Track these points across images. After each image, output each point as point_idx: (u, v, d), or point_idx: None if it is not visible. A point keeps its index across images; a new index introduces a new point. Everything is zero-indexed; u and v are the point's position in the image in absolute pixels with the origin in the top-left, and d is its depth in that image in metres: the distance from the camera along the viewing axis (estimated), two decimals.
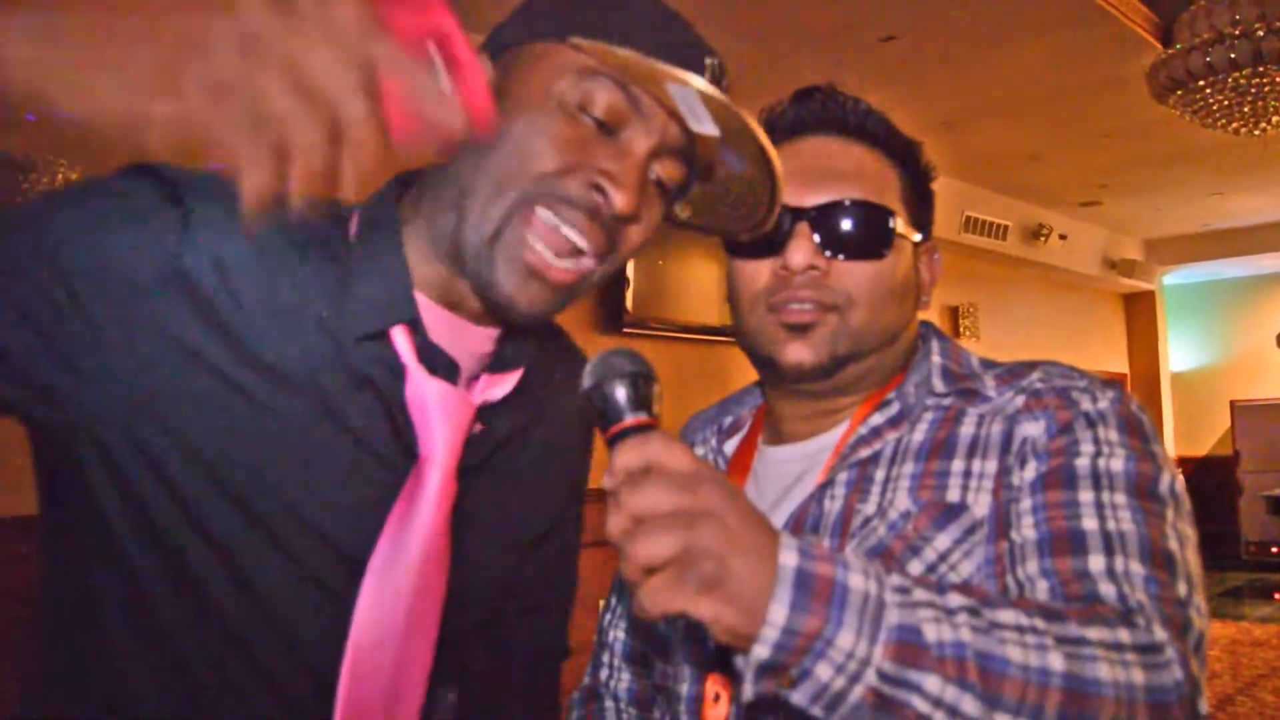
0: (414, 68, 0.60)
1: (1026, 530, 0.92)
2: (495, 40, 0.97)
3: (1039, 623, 0.74)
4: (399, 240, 0.96)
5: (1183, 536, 0.91)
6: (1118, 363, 11.22)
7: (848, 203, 1.07)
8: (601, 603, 1.27)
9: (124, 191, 0.86)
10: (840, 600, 0.70)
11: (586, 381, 0.78)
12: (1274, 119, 5.15)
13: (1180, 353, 11.78)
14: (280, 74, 0.56)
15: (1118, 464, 0.93)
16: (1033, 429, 0.99)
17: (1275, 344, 10.99)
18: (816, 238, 1.06)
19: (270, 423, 0.87)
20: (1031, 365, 1.06)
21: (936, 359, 1.12)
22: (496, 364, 1.00)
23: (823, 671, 0.69)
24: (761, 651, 0.69)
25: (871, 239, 1.07)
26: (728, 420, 1.28)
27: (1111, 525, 0.89)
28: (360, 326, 0.91)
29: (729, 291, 1.15)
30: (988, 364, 1.11)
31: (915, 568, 0.97)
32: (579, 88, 0.89)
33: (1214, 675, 6.20)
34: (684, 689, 1.06)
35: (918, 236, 1.13)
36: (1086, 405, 0.98)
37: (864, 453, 1.05)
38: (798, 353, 1.07)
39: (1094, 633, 0.75)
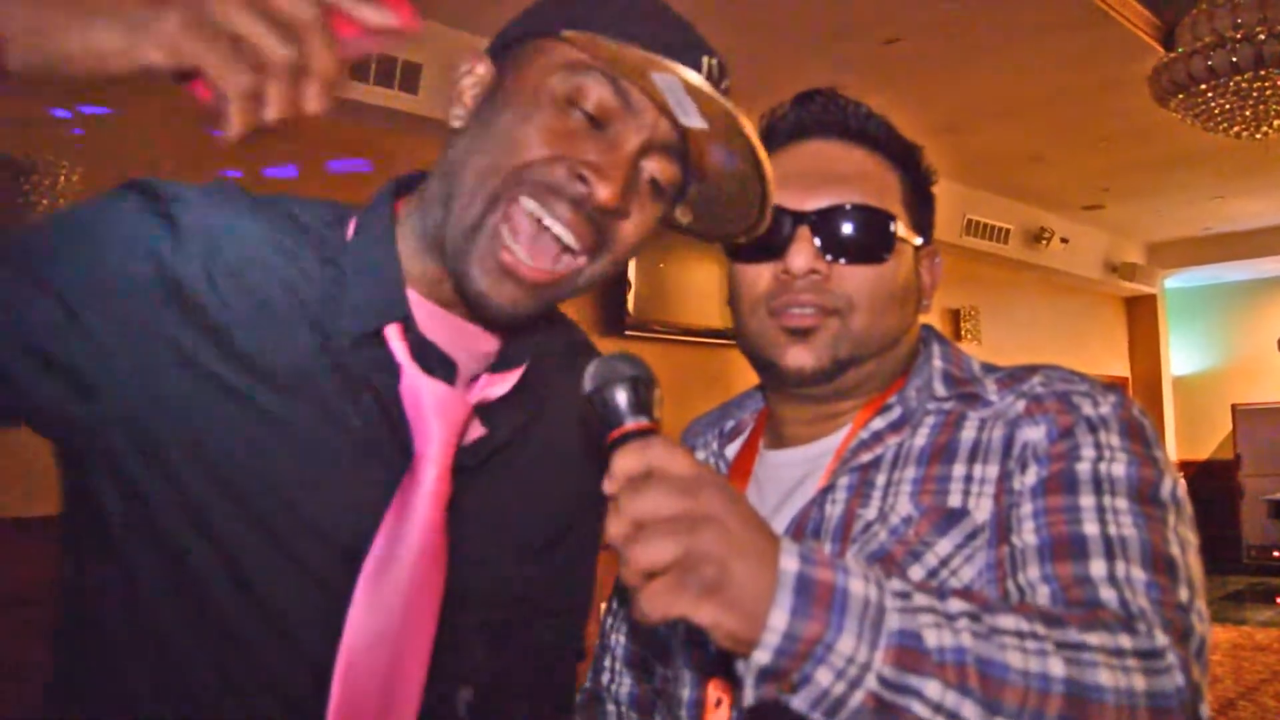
0: None
1: (1027, 535, 0.92)
2: (499, 40, 0.98)
3: (1040, 628, 0.74)
4: (392, 240, 0.97)
5: (1184, 541, 0.90)
6: (1119, 366, 11.21)
7: (849, 206, 1.06)
8: (603, 606, 1.27)
9: (112, 209, 0.88)
10: (841, 605, 0.69)
11: (587, 386, 0.78)
12: (1275, 123, 5.15)
13: (1181, 356, 11.78)
14: (255, 9, 0.66)
15: (1119, 469, 0.93)
16: (1034, 434, 0.98)
17: (1276, 347, 10.99)
18: (817, 241, 1.06)
19: (267, 424, 0.88)
20: (1032, 369, 1.06)
21: (938, 363, 1.12)
22: (498, 363, 1.01)
23: (823, 677, 0.69)
24: (762, 657, 0.69)
25: (872, 243, 1.07)
26: (729, 424, 1.28)
27: (1113, 530, 0.88)
28: (354, 326, 0.92)
29: (730, 295, 1.14)
30: (989, 368, 1.11)
31: (916, 573, 0.96)
32: (569, 81, 0.89)
33: (1215, 680, 6.19)
34: (685, 694, 1.05)
35: (919, 240, 1.13)
36: (1088, 410, 0.98)
37: (865, 457, 1.05)
38: (798, 357, 1.07)
39: (1095, 638, 0.75)
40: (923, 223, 1.15)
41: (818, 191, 1.07)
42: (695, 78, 0.84)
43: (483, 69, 0.97)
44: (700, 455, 1.26)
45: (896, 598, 0.72)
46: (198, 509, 0.86)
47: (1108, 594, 0.84)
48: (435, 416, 0.93)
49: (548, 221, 0.89)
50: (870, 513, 1.02)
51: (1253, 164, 7.61)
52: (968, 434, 1.03)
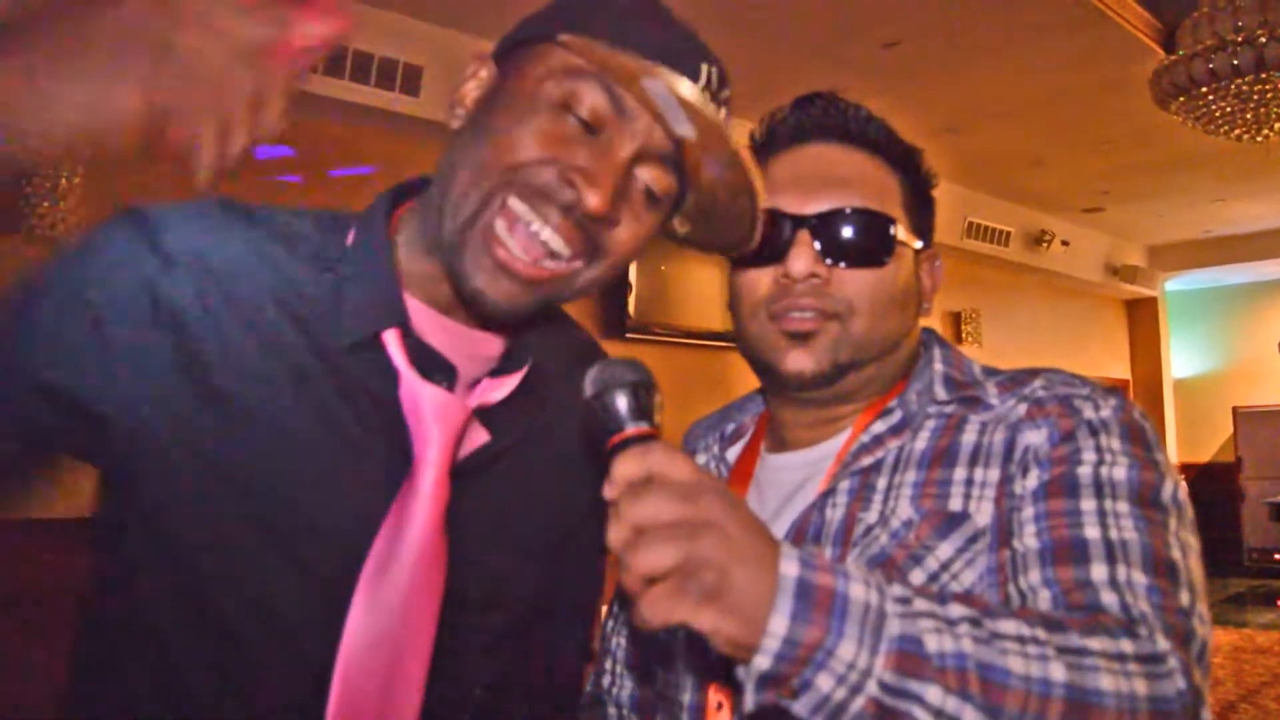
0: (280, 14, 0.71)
1: (1029, 539, 0.92)
2: (502, 44, 0.98)
3: (1040, 633, 0.74)
4: (388, 246, 0.97)
5: (1185, 545, 0.90)
6: (1120, 369, 11.21)
7: (849, 210, 1.06)
8: (604, 609, 1.27)
9: (104, 243, 0.91)
10: (841, 611, 0.69)
11: (588, 391, 0.78)
12: (1276, 125, 5.14)
13: (1182, 359, 11.77)
14: (218, 42, 0.67)
15: (1120, 472, 0.93)
16: (1035, 437, 0.98)
17: (1277, 350, 10.98)
18: (817, 245, 1.06)
19: (268, 432, 0.89)
20: (1034, 373, 1.06)
21: (938, 366, 1.11)
22: (499, 367, 1.01)
23: (824, 682, 0.69)
24: (762, 662, 0.69)
25: (872, 246, 1.07)
26: (730, 427, 1.28)
27: (1114, 534, 0.88)
28: (351, 332, 0.93)
29: (730, 299, 1.14)
30: (990, 371, 1.11)
31: (917, 577, 0.96)
32: (564, 86, 0.90)
33: (1217, 682, 6.19)
34: (686, 698, 1.05)
35: (919, 244, 1.13)
36: (1089, 413, 0.98)
37: (866, 461, 1.05)
38: (799, 361, 1.07)
39: (1096, 643, 0.74)
40: (923, 226, 1.15)
41: (818, 195, 1.07)
42: (684, 87, 0.85)
43: (485, 72, 0.98)
44: (701, 458, 1.26)
45: (897, 603, 0.72)
46: (200, 515, 0.87)
47: (1109, 598, 0.84)
48: (434, 421, 0.93)
49: (535, 227, 0.90)
50: (871, 516, 1.01)
51: (1254, 167, 7.61)
52: (968, 437, 1.03)
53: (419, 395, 0.93)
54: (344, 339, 0.92)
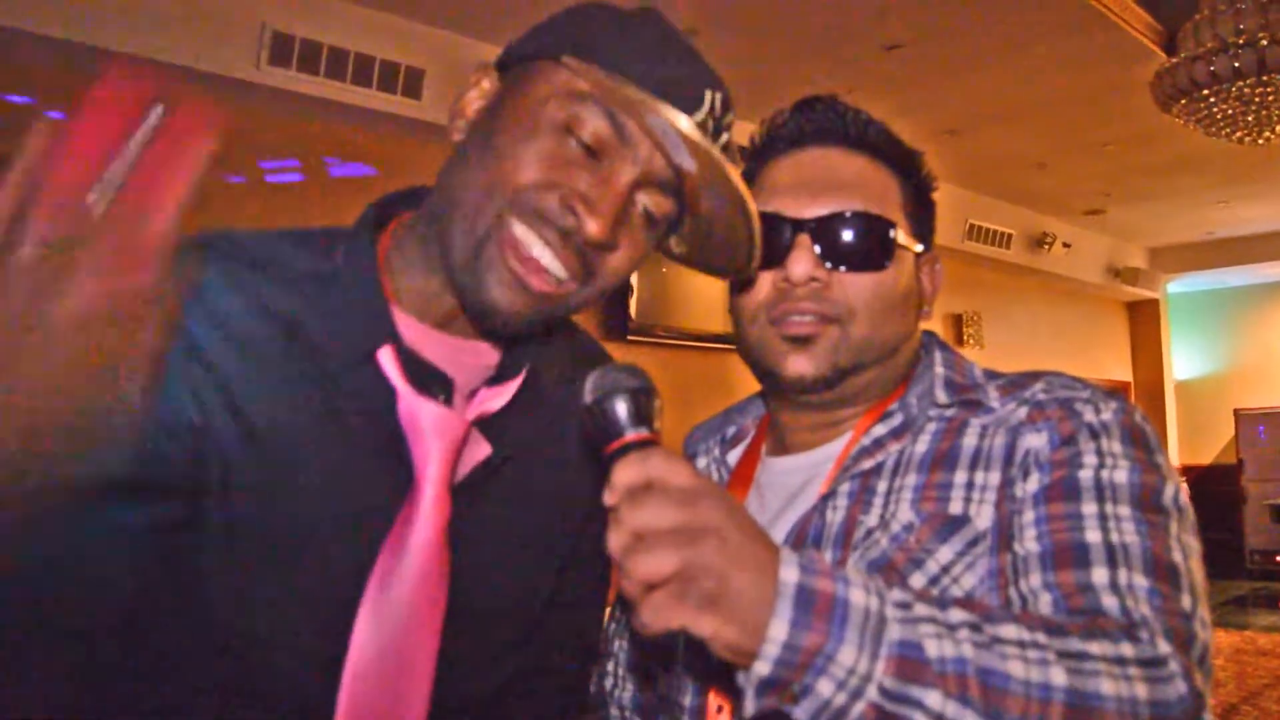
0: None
1: (1029, 543, 0.92)
2: (506, 55, 0.98)
3: (1041, 637, 0.74)
4: (374, 263, 0.97)
5: (1187, 548, 0.90)
6: (1121, 371, 11.20)
7: (849, 214, 1.06)
8: (607, 611, 1.27)
9: None
10: (841, 616, 0.69)
11: (587, 396, 0.78)
12: (1278, 128, 5.14)
13: (1184, 361, 11.77)
14: None
15: (1121, 476, 0.93)
16: (1036, 440, 0.98)
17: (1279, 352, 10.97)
18: (817, 249, 1.06)
19: (271, 454, 0.89)
20: (1035, 376, 1.06)
21: (939, 369, 1.11)
22: (496, 375, 1.01)
23: (824, 688, 0.69)
24: (762, 668, 0.69)
25: (872, 250, 1.07)
26: (731, 430, 1.28)
27: (1115, 538, 0.88)
28: (345, 353, 0.93)
29: (730, 303, 1.14)
30: (991, 374, 1.11)
31: (917, 580, 0.96)
32: (567, 109, 0.89)
33: (1218, 684, 6.18)
34: (687, 701, 1.05)
35: (919, 247, 1.13)
36: (1090, 416, 0.98)
37: (866, 464, 1.05)
38: (799, 365, 1.07)
39: (1096, 647, 0.74)
40: (923, 230, 1.15)
41: (818, 199, 1.07)
42: (684, 124, 0.85)
43: (488, 83, 0.97)
44: (702, 461, 1.26)
45: (897, 608, 0.72)
46: (205, 537, 0.88)
47: (1109, 602, 0.83)
48: (433, 436, 0.93)
49: (536, 251, 0.90)
50: (871, 520, 1.01)
51: (1255, 169, 7.61)
52: (969, 441, 1.03)
53: (417, 411, 0.93)
54: (338, 359, 0.93)
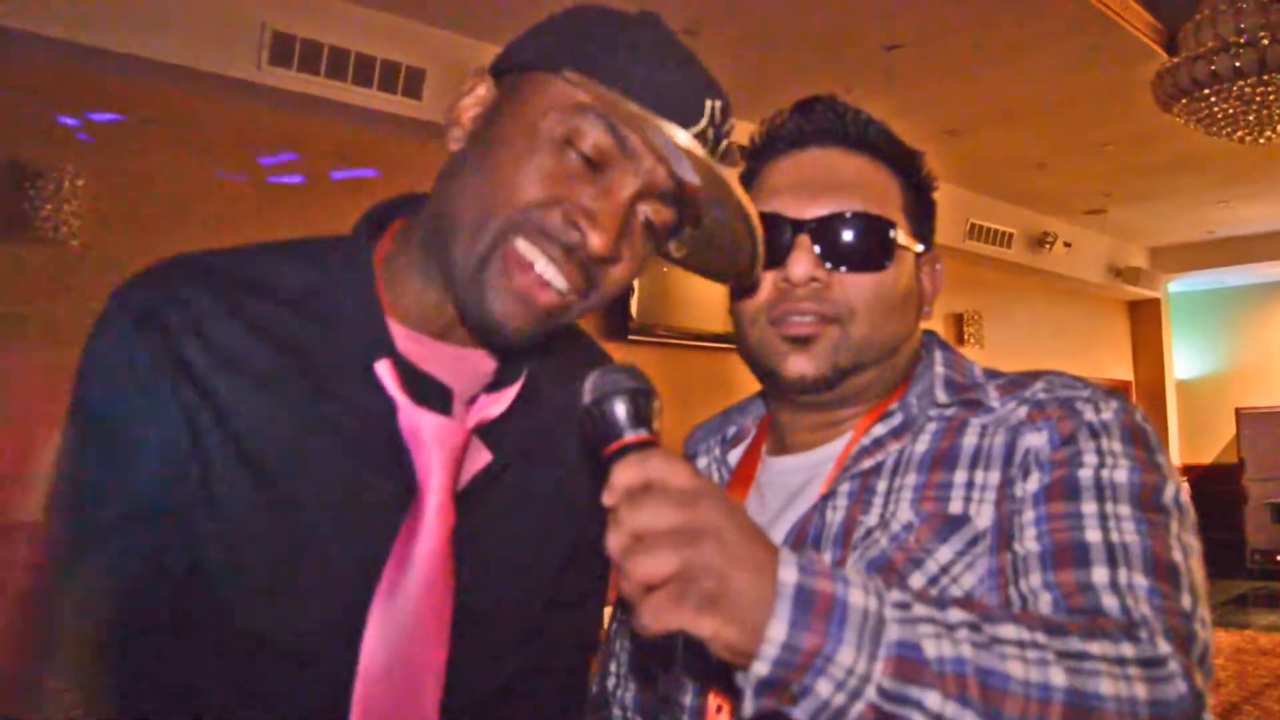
0: None
1: (1029, 542, 0.92)
2: (502, 60, 0.97)
3: (1040, 637, 0.74)
4: (371, 275, 0.97)
5: (1187, 547, 0.90)
6: (1122, 370, 11.20)
7: (849, 214, 1.06)
8: (607, 611, 1.27)
9: (111, 350, 0.91)
10: (840, 617, 0.69)
11: (586, 398, 0.78)
12: (1279, 127, 5.14)
13: (1185, 360, 11.76)
14: None
15: (1121, 475, 0.92)
16: (1036, 440, 0.98)
17: None
18: (817, 250, 1.06)
19: (275, 469, 0.90)
20: (1035, 375, 1.06)
21: (939, 369, 1.11)
22: (494, 381, 1.01)
23: (823, 688, 0.69)
24: (761, 669, 0.69)
25: (872, 250, 1.07)
26: (731, 430, 1.28)
27: (1115, 537, 0.88)
28: (342, 367, 0.93)
29: (731, 304, 1.14)
30: (991, 374, 1.11)
31: (917, 580, 0.96)
32: (567, 123, 0.88)
33: (1219, 684, 6.19)
34: (687, 700, 1.05)
35: (919, 247, 1.13)
36: (1090, 416, 0.98)
37: (866, 464, 1.05)
38: (799, 365, 1.07)
39: (1096, 647, 0.74)
40: (923, 230, 1.15)
41: (817, 200, 1.07)
42: (684, 139, 0.84)
43: (483, 90, 0.96)
44: (703, 461, 1.26)
45: (896, 608, 0.72)
46: (216, 553, 0.88)
47: (1109, 601, 0.83)
48: (434, 446, 0.94)
49: (540, 266, 0.89)
50: (871, 519, 1.01)
51: (1256, 168, 7.61)
52: (969, 440, 1.03)
53: (417, 422, 0.93)
54: (336, 374, 0.93)
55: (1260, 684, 6.25)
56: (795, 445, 1.16)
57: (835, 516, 1.04)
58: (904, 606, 0.72)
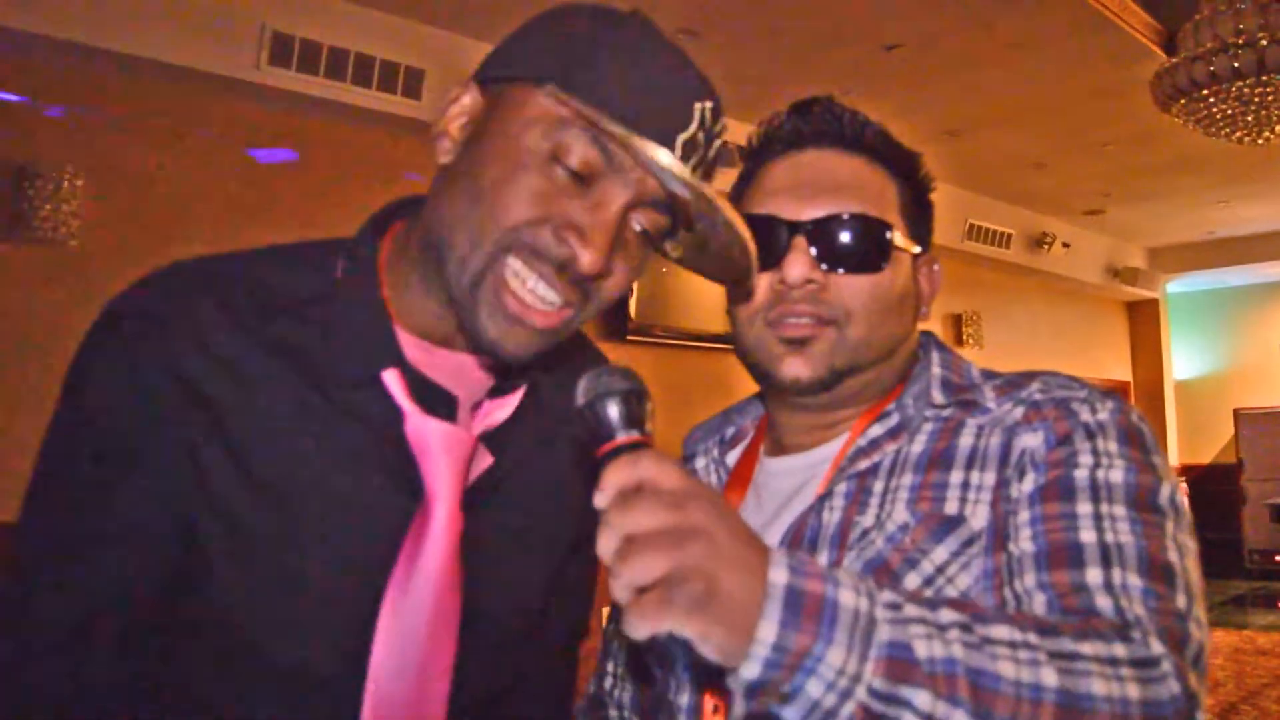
0: None
1: (1024, 543, 0.92)
2: (486, 70, 0.95)
3: (1032, 638, 0.73)
4: (377, 283, 0.97)
5: (1183, 548, 0.90)
6: (1121, 371, 11.20)
7: (845, 216, 1.06)
8: (605, 611, 1.27)
9: (105, 372, 0.89)
10: (831, 617, 0.69)
11: (579, 400, 0.77)
12: (1277, 128, 5.15)
13: (1184, 361, 11.77)
14: None
15: (1117, 475, 0.92)
16: (1031, 440, 0.98)
17: (1279, 352, 10.98)
18: (814, 251, 1.06)
19: (282, 476, 0.90)
20: (1031, 376, 1.06)
21: (936, 370, 1.11)
22: (496, 388, 1.01)
23: (813, 689, 0.68)
24: (751, 669, 0.68)
25: (869, 252, 1.07)
26: (730, 431, 1.28)
27: (1110, 537, 0.88)
28: (350, 375, 0.93)
29: (728, 305, 1.14)
30: (988, 374, 1.11)
31: (912, 580, 0.96)
32: (552, 138, 0.87)
33: (1218, 684, 6.19)
34: (683, 700, 1.05)
35: (917, 248, 1.13)
36: (1086, 416, 0.98)
37: (863, 464, 1.05)
38: (795, 367, 1.07)
39: (1088, 647, 0.74)
40: (921, 231, 1.14)
41: (814, 201, 1.07)
42: (667, 160, 0.83)
43: (469, 99, 0.94)
44: (701, 462, 1.26)
45: (887, 609, 0.71)
46: (225, 564, 0.88)
47: (1103, 602, 0.83)
48: (442, 454, 0.93)
49: (531, 284, 0.89)
50: (867, 520, 1.01)
51: (1255, 169, 7.61)
52: (965, 441, 1.03)
53: (425, 431, 0.93)
54: (343, 382, 0.93)
55: (1258, 684, 6.25)
56: (792, 446, 1.16)
57: (832, 517, 1.04)
58: (895, 607, 0.72)
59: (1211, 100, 4.95)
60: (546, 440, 1.06)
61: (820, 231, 1.06)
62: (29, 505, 0.90)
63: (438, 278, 0.93)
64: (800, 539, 1.04)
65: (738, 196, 1.17)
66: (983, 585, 0.95)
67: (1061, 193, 8.31)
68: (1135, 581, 0.85)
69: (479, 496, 0.98)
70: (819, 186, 1.08)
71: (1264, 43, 4.65)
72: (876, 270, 1.07)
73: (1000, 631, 0.73)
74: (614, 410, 0.76)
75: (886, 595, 0.73)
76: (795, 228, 1.06)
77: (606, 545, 0.69)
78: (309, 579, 0.89)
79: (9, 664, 0.86)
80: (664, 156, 0.83)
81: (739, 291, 1.09)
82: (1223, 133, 5.26)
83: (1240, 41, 4.70)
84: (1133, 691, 0.73)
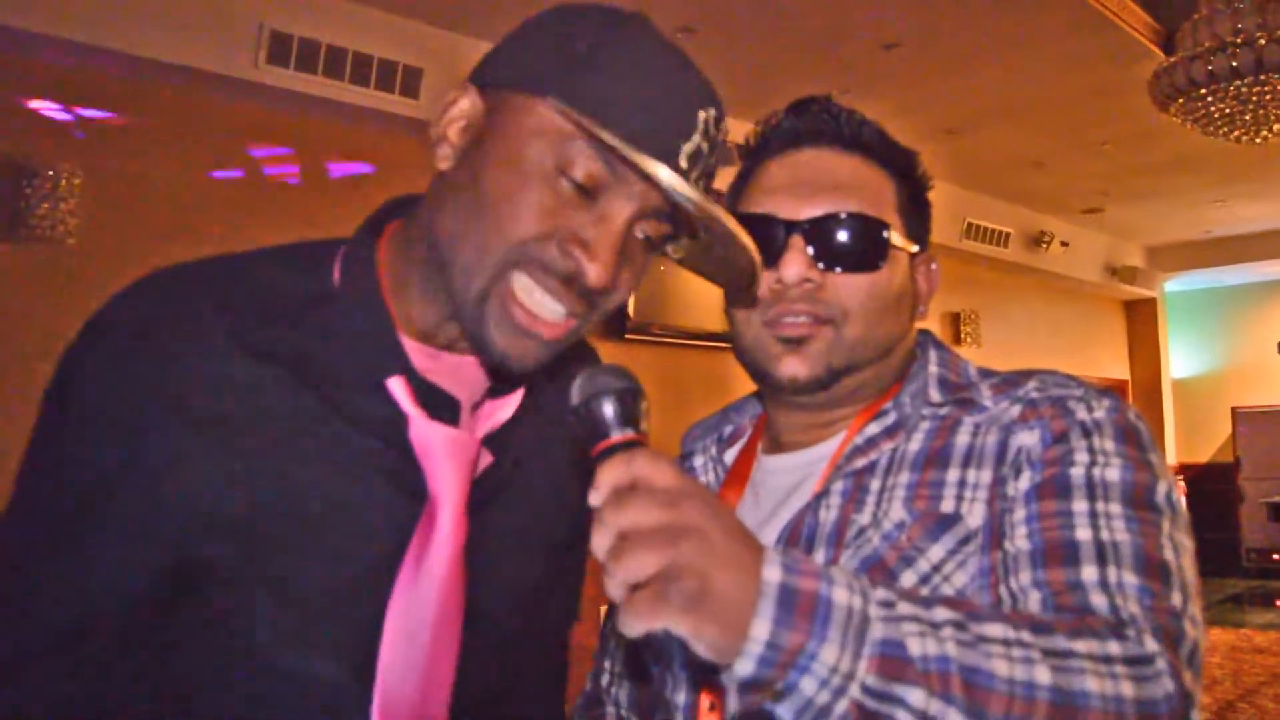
0: None
1: (1020, 541, 0.92)
2: (485, 72, 0.94)
3: (1026, 636, 0.73)
4: (378, 287, 0.96)
5: (1179, 546, 0.90)
6: (1119, 369, 11.21)
7: (843, 215, 1.06)
8: (603, 609, 1.28)
9: (92, 389, 0.88)
10: (824, 615, 0.69)
11: (574, 398, 0.77)
12: (1275, 127, 5.15)
13: (1181, 359, 11.78)
14: None
15: (1113, 473, 0.93)
16: (1028, 439, 0.98)
17: (1276, 351, 10.99)
18: (810, 251, 1.06)
19: (288, 481, 0.89)
20: (1028, 374, 1.06)
21: (933, 369, 1.12)
22: (496, 389, 1.01)
23: (807, 686, 0.68)
24: (744, 667, 0.68)
25: (866, 251, 1.07)
26: (728, 429, 1.28)
27: (1105, 536, 0.88)
28: (353, 381, 0.92)
29: (726, 305, 1.15)
30: (985, 373, 1.11)
31: (909, 578, 0.96)
32: (557, 151, 0.86)
33: (1215, 682, 6.20)
34: (680, 698, 1.06)
35: (914, 248, 1.13)
36: (1082, 414, 0.98)
37: (860, 463, 1.05)
38: (793, 366, 1.07)
39: (1082, 645, 0.74)
40: (918, 230, 1.15)
41: (811, 200, 1.08)
42: (668, 177, 0.82)
43: (468, 103, 0.93)
44: (699, 460, 1.26)
45: (881, 606, 0.72)
46: (231, 571, 0.88)
47: (1098, 600, 0.83)
48: (447, 459, 0.93)
49: (539, 296, 0.88)
50: (864, 518, 1.01)
51: (1253, 168, 7.62)
52: (962, 439, 1.03)
53: (429, 435, 0.93)
54: (346, 388, 0.92)
55: (1256, 682, 6.26)
56: (790, 444, 1.16)
57: (829, 515, 1.04)
58: (889, 605, 0.72)
59: (1210, 99, 4.96)
60: (545, 439, 1.06)
61: (817, 231, 1.06)
62: (16, 510, 0.89)
63: (439, 283, 0.92)
64: (797, 537, 1.04)
65: (735, 195, 1.17)
66: (979, 583, 0.95)
67: (1060, 191, 8.32)
68: (1130, 579, 0.85)
69: (481, 498, 0.98)
70: (816, 185, 1.09)
71: (1262, 42, 4.65)
72: (874, 269, 1.07)
73: (994, 629, 0.73)
74: (609, 409, 0.76)
75: (880, 593, 0.73)
76: (792, 227, 1.07)
77: (601, 543, 0.69)
78: (312, 585, 0.89)
79: (5, 665, 0.86)
80: (665, 174, 0.82)
81: (741, 295, 1.09)
82: (1221, 132, 5.26)
83: (1238, 41, 4.71)
84: (1127, 689, 0.73)
